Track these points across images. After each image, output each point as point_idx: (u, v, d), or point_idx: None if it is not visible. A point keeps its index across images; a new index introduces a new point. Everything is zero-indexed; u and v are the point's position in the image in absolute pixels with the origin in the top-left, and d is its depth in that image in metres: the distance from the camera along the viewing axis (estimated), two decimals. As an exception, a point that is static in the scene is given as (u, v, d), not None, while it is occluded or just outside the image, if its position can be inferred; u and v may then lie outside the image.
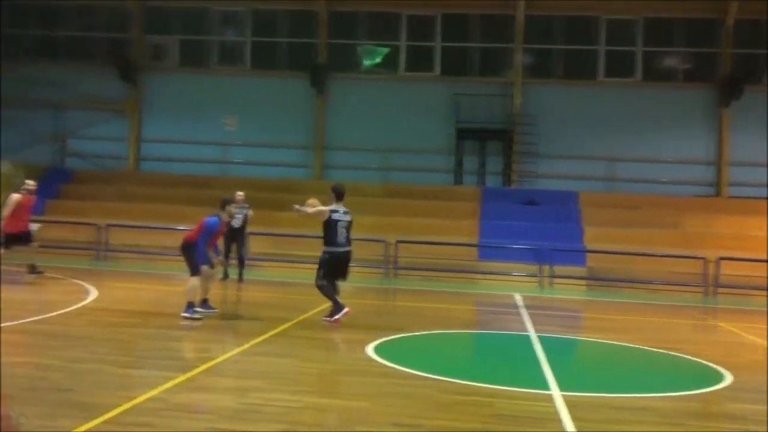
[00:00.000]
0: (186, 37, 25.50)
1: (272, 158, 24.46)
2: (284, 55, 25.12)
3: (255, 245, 19.84)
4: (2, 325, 9.19)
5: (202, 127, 24.68)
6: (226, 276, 15.34)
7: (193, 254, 10.58)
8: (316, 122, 24.39)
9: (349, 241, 10.77)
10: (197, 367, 7.22)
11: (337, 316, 10.49)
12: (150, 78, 25.19)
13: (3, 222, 13.58)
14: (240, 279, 15.82)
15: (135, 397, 5.99)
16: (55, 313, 10.30)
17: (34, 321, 9.63)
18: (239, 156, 24.89)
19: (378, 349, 8.60)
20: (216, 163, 24.91)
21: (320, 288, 10.70)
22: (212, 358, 7.67)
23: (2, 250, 13.59)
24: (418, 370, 7.50)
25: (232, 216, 11.74)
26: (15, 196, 13.78)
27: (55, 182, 24.33)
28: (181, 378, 6.73)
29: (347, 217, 10.83)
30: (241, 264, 16.08)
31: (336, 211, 10.76)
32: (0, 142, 24.55)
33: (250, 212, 15.75)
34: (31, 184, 14.34)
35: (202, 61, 25.36)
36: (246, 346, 8.50)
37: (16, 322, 9.41)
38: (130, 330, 9.55)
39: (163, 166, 24.80)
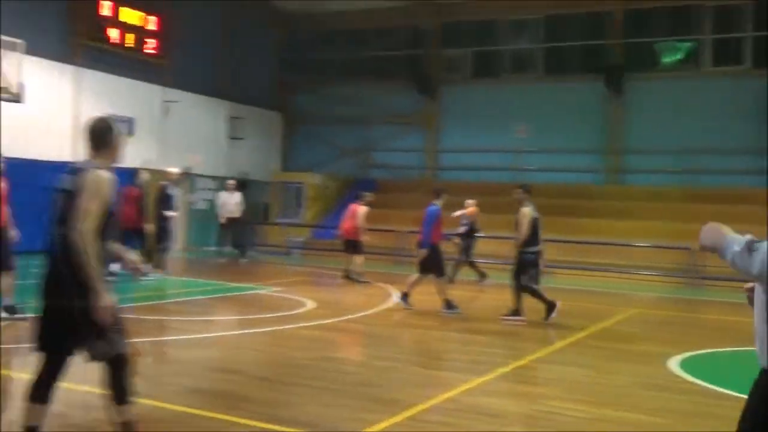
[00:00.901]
0: (479, 48, 26.12)
1: (564, 164, 24.11)
2: (577, 58, 24.66)
3: (548, 252, 19.69)
4: (319, 322, 10.14)
5: (495, 136, 25.05)
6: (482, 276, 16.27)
7: (435, 254, 11.17)
8: (610, 125, 23.58)
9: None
10: (492, 371, 7.36)
11: (521, 317, 10.57)
12: (446, 90, 26.17)
13: (356, 231, 15.26)
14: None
15: (434, 397, 6.27)
16: (361, 314, 11.12)
17: (345, 320, 10.47)
18: (532, 163, 24.90)
19: (684, 365, 8.09)
20: (509, 171, 25.15)
21: (529, 290, 10.71)
22: (506, 364, 7.77)
23: (358, 258, 15.21)
24: (729, 390, 6.93)
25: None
26: (362, 209, 15.44)
27: (361, 192, 26.27)
28: (477, 381, 6.91)
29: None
30: (472, 265, 16.49)
31: (534, 210, 11.15)
32: (297, 156, 27.13)
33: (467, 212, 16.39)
34: (367, 195, 16.05)
35: (494, 70, 25.79)
36: (540, 353, 8.49)
37: (329, 321, 10.32)
38: (428, 332, 10.01)
39: (459, 175, 25.60)
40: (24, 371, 6.63)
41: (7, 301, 9.08)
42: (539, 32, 25.13)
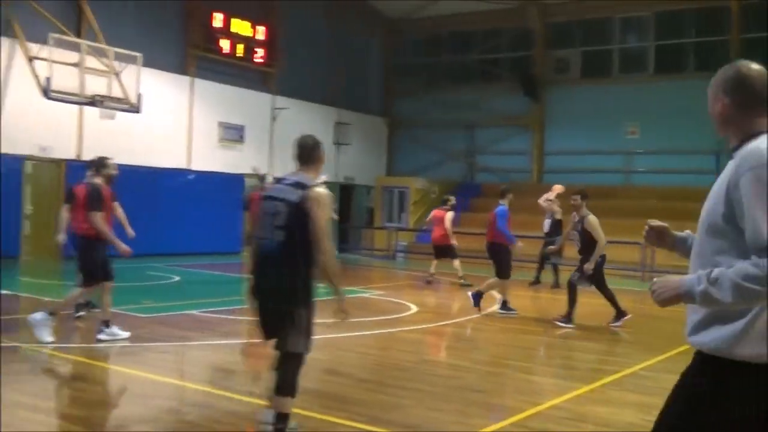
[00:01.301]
0: (587, 48, 25.53)
1: (678, 166, 23.22)
2: (691, 56, 23.71)
3: (661, 257, 19.04)
4: (422, 326, 10.16)
5: (604, 137, 24.42)
6: (537, 281, 15.65)
7: (503, 255, 10.84)
8: (729, 124, 22.52)
9: None
10: (600, 379, 7.17)
11: (624, 319, 10.41)
12: (552, 92, 25.72)
13: (445, 236, 15.22)
14: (555, 285, 15.43)
15: (540, 404, 6.16)
16: (465, 318, 11.06)
17: (448, 324, 10.44)
18: (642, 165, 24.13)
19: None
20: (619, 173, 24.47)
21: (574, 288, 10.45)
22: (616, 372, 7.54)
23: (456, 262, 15.14)
24: None
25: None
26: (449, 214, 15.38)
27: (466, 196, 26.18)
28: (584, 389, 6.75)
29: None
30: (554, 270, 15.80)
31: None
32: (401, 160, 27.23)
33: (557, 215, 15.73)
34: (451, 199, 15.96)
35: (603, 70, 25.14)
36: (651, 361, 8.20)
37: (432, 324, 10.32)
38: (533, 337, 9.86)
39: (566, 177, 25.08)
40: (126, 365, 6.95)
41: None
42: (649, 30, 24.33)
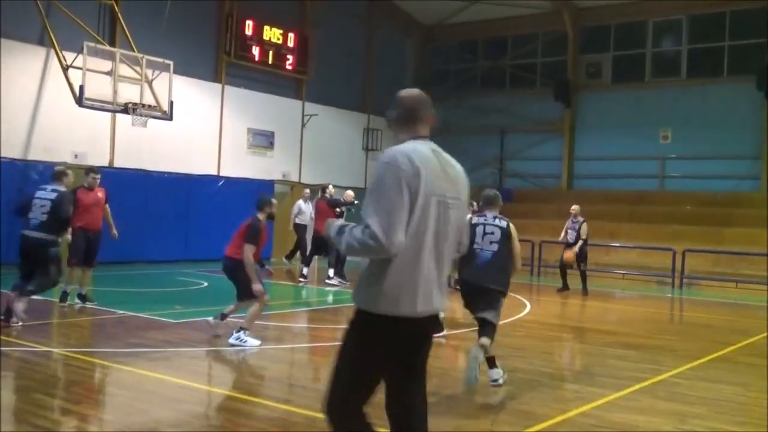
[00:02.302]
0: (619, 53, 25.29)
1: (713, 171, 22.88)
2: (725, 60, 23.34)
3: (694, 263, 18.79)
4: (452, 332, 10.12)
5: (636, 142, 24.16)
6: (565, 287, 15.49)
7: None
8: (765, 128, 22.11)
9: None
10: (631, 386, 7.07)
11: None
12: (584, 96, 25.53)
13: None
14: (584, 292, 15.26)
15: (568, 411, 6.09)
16: (496, 324, 10.97)
17: (476, 330, 10.37)
18: (676, 170, 23.83)
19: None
20: (652, 178, 24.19)
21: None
22: (647, 379, 7.43)
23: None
24: None
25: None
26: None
27: (496, 202, 26.05)
28: (614, 396, 6.66)
29: None
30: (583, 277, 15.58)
31: None
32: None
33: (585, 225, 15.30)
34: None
35: (635, 75, 24.87)
36: (682, 368, 8.07)
37: (462, 330, 10.27)
38: (562, 344, 9.77)
39: (596, 183, 24.89)
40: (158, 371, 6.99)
41: (82, 290, 10.79)
42: (683, 33, 24.04)
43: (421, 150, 3.24)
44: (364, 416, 3.36)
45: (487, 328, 6.87)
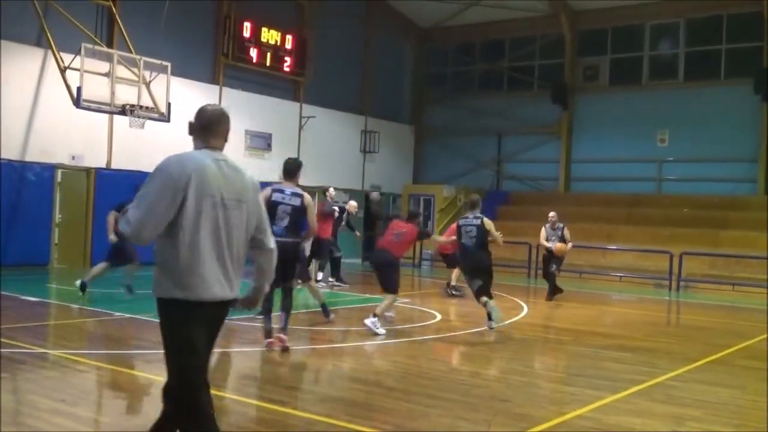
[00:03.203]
0: (616, 55, 25.32)
1: (710, 173, 22.91)
2: (722, 63, 23.37)
3: (691, 266, 18.83)
4: (449, 334, 10.13)
5: (633, 145, 24.19)
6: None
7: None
8: (762, 131, 22.15)
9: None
10: (628, 388, 7.08)
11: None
12: (581, 99, 25.56)
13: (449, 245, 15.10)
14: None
15: (565, 413, 6.10)
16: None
17: (475, 332, 10.39)
18: (673, 172, 23.87)
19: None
20: (649, 181, 24.22)
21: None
22: (643, 381, 7.44)
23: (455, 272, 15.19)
24: None
25: None
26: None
27: (493, 204, 26.07)
28: (611, 398, 6.67)
29: None
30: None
31: None
32: (429, 168, 27.21)
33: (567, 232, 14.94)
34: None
35: (632, 77, 24.90)
36: (680, 371, 8.08)
37: (459, 333, 10.29)
38: (559, 346, 9.78)
39: (594, 186, 24.91)
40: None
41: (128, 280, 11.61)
42: (680, 36, 24.08)
43: (198, 157, 3.68)
44: (207, 391, 3.83)
45: (483, 289, 10.23)
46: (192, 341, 3.69)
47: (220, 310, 3.77)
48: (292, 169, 8.43)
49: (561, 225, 14.80)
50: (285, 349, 8.12)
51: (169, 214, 3.55)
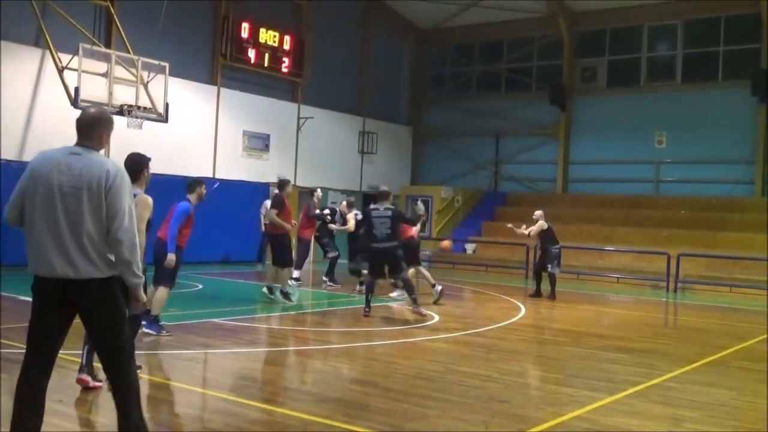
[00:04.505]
0: (614, 57, 25.33)
1: (707, 175, 22.92)
2: (720, 64, 23.38)
3: (688, 267, 18.84)
4: (446, 335, 10.13)
5: (631, 146, 24.20)
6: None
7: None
8: (760, 133, 22.16)
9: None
10: (625, 390, 7.08)
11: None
12: (579, 101, 25.56)
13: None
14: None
15: (563, 414, 6.10)
16: (490, 327, 11.00)
17: (472, 333, 10.39)
18: (671, 174, 23.89)
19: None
20: (647, 182, 24.24)
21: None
22: (641, 383, 7.45)
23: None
24: None
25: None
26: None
27: (491, 205, 26.09)
28: (609, 399, 6.67)
29: None
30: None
31: None
32: (427, 169, 27.21)
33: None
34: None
35: (630, 79, 24.91)
36: (678, 372, 8.09)
37: (456, 334, 10.29)
38: (558, 348, 9.78)
39: (592, 187, 24.92)
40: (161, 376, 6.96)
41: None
42: (678, 38, 24.10)
43: (48, 153, 4.26)
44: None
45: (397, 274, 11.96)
46: (34, 312, 4.24)
47: (66, 289, 4.16)
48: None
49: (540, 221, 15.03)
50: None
51: (18, 200, 4.25)
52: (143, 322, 8.81)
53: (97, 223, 4.15)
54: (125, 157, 6.84)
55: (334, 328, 10.80)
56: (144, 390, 6.48)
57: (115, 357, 4.27)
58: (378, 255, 11.55)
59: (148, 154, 6.92)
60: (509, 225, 15.73)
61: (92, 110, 4.53)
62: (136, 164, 6.69)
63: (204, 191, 9.28)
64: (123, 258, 4.17)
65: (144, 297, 4.55)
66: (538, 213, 15.22)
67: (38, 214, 4.17)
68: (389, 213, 11.46)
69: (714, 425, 6.04)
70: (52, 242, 4.13)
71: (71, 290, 4.16)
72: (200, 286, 14.33)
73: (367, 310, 11.31)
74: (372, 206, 11.79)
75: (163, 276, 8.75)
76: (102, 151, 4.40)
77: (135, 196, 6.87)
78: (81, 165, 4.19)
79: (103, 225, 4.15)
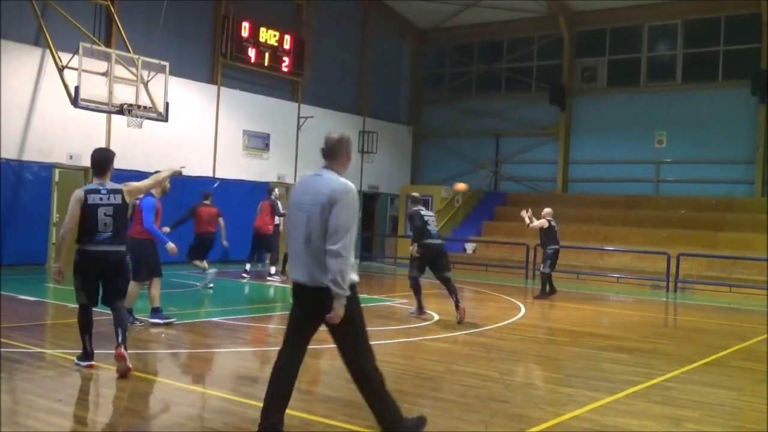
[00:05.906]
0: (614, 57, 25.33)
1: (707, 175, 22.93)
2: (720, 64, 23.38)
3: (688, 267, 18.84)
4: (447, 335, 10.13)
5: (631, 146, 24.21)
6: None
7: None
8: (760, 133, 22.17)
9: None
10: (625, 390, 7.08)
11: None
12: (579, 101, 25.57)
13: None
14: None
15: (562, 414, 6.10)
16: (490, 327, 11.00)
17: (473, 333, 10.39)
18: (671, 174, 23.89)
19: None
20: (647, 182, 24.24)
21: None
22: (641, 382, 7.45)
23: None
24: None
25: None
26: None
27: (491, 205, 26.08)
28: (608, 399, 6.67)
29: None
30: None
31: None
32: (427, 169, 27.21)
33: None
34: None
35: (630, 79, 24.91)
36: (677, 372, 8.09)
37: (457, 333, 10.29)
38: (558, 347, 9.78)
39: (591, 187, 24.93)
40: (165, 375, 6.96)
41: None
42: (678, 38, 24.09)
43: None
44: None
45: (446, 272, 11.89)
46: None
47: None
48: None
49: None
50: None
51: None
52: (150, 319, 8.86)
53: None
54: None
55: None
56: (143, 389, 6.48)
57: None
58: (434, 249, 11.94)
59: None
60: (523, 212, 15.55)
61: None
62: (105, 159, 7.26)
63: (168, 185, 9.45)
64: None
65: None
66: (546, 210, 15.30)
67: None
68: (432, 214, 12.46)
69: (714, 425, 6.04)
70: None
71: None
72: (199, 285, 14.32)
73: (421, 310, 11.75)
74: (416, 208, 12.20)
75: (137, 270, 8.83)
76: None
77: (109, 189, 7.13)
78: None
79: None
